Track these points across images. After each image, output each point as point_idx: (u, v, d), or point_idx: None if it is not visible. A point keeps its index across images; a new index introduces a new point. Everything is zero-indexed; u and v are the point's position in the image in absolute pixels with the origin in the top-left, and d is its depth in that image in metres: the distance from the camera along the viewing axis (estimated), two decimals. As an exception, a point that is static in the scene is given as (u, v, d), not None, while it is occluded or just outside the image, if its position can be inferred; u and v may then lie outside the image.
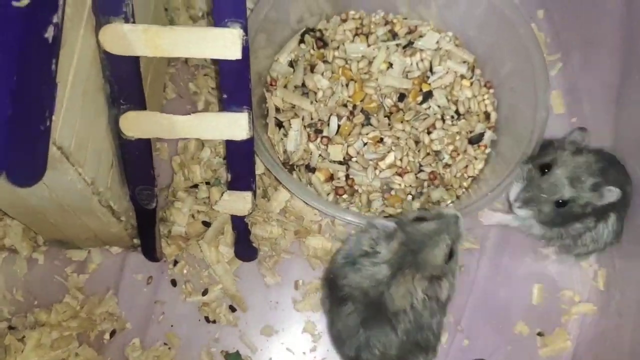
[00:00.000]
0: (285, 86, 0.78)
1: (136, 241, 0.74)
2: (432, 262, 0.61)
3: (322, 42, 0.80)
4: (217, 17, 0.58)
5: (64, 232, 0.69)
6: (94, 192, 0.59)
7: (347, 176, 0.76)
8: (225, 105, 0.62)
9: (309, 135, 0.76)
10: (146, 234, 0.73)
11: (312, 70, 0.78)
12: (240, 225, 0.72)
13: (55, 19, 0.50)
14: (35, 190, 0.55)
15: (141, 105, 0.63)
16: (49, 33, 0.49)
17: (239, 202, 0.68)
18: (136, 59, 0.60)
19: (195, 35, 0.57)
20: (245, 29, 0.58)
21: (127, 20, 0.58)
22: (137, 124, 0.63)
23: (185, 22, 0.82)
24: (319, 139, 0.76)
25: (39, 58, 0.48)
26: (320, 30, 0.81)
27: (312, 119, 0.77)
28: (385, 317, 0.62)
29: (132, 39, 0.57)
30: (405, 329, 0.62)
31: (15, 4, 0.49)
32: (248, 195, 0.68)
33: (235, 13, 0.57)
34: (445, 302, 0.64)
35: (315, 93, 0.77)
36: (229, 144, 0.64)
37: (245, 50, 0.58)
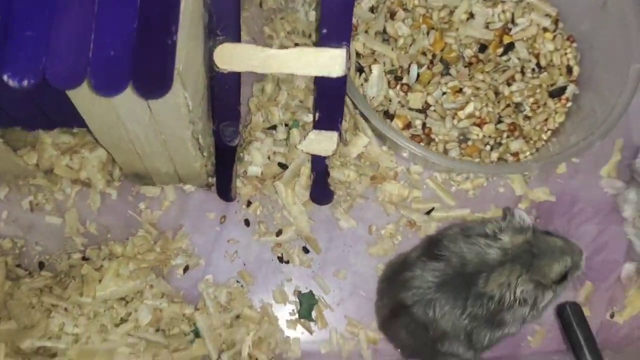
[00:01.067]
0: (366, 31, 0.77)
1: (211, 180, 0.74)
2: (545, 273, 0.60)
3: None
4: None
5: (146, 165, 0.68)
6: (191, 121, 0.59)
7: (424, 124, 0.75)
8: (323, 40, 0.61)
9: (389, 82, 0.75)
10: (223, 172, 0.72)
11: (392, 17, 0.77)
12: (320, 167, 0.71)
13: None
14: (136, 113, 0.55)
15: (237, 38, 0.62)
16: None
17: (324, 142, 0.68)
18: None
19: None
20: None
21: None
22: (232, 57, 0.62)
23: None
24: (398, 86, 0.75)
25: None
26: None
27: (392, 65, 0.76)
28: (465, 292, 0.60)
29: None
30: (474, 313, 0.60)
31: None
32: (334, 135, 0.67)
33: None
34: (530, 317, 0.62)
35: (396, 40, 0.77)
36: (321, 82, 0.63)
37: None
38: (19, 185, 0.74)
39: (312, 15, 0.80)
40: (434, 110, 0.75)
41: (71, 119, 0.58)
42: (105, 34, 0.46)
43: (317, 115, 0.67)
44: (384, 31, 0.77)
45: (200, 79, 0.62)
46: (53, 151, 0.72)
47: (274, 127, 0.75)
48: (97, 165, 0.73)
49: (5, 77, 0.44)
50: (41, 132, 0.71)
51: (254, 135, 0.75)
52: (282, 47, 0.80)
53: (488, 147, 0.75)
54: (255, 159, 0.74)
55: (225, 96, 0.66)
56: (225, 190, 0.74)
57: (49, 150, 0.72)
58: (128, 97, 0.48)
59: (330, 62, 0.62)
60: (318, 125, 0.68)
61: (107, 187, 0.75)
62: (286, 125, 0.75)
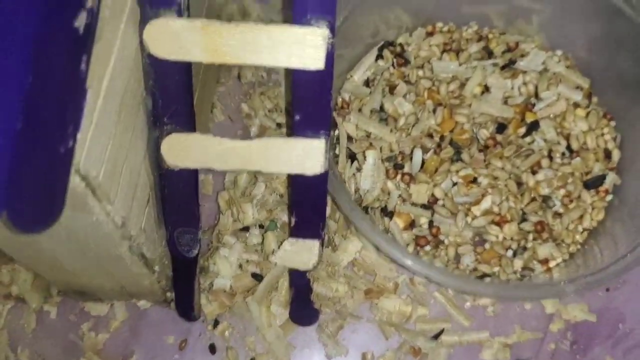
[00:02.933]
0: (360, 110, 0.65)
1: (169, 295, 0.60)
2: None
3: (403, 59, 0.66)
4: (298, 11, 0.44)
5: (83, 282, 0.55)
6: (125, 236, 0.46)
7: (431, 223, 0.61)
8: (297, 129, 0.48)
9: (387, 171, 0.62)
10: (183, 287, 0.58)
11: (391, 92, 0.65)
12: (300, 282, 0.57)
13: (89, 3, 0.37)
14: (50, 232, 0.42)
15: (189, 126, 0.49)
16: (80, 21, 0.36)
17: (302, 254, 0.54)
18: (188, 67, 0.47)
19: (269, 35, 0.44)
20: (332, 28, 0.44)
21: (180, 14, 0.45)
22: (183, 150, 0.49)
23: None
24: (399, 176, 0.62)
25: (64, 54, 0.35)
26: (401, 45, 0.67)
27: (391, 151, 0.63)
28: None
29: (187, 38, 0.44)
30: None
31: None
32: (315, 245, 0.54)
33: (322, 6, 0.44)
34: None
35: (396, 119, 0.64)
36: (297, 179, 0.50)
37: (330, 57, 0.45)
38: None
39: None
40: (443, 206, 0.61)
41: None
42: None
43: (293, 220, 0.53)
44: (382, 109, 0.64)
45: (141, 179, 0.49)
46: (-24, 263, 0.59)
47: (246, 229, 0.62)
48: (29, 280, 0.60)
49: None
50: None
51: (221, 240, 0.61)
52: (262, 127, 0.67)
53: (510, 253, 0.60)
54: (222, 270, 0.60)
55: (178, 197, 0.53)
56: (186, 308, 0.60)
57: (-30, 262, 0.59)
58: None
59: (305, 156, 0.49)
60: (295, 232, 0.54)
61: (44, 304, 0.61)
62: (261, 226, 0.61)
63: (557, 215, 0.61)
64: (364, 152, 0.62)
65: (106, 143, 0.41)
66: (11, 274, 0.60)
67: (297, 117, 0.48)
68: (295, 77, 0.46)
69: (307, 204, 0.52)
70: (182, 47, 0.45)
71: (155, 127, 0.49)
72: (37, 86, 0.34)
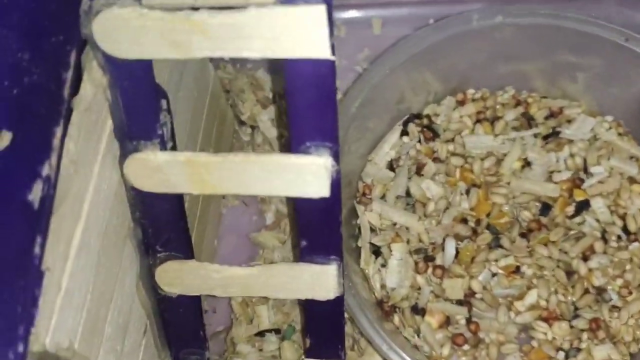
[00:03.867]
0: (383, 196, 0.58)
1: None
2: None
3: (431, 132, 0.59)
4: (296, 138, 0.38)
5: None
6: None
7: (469, 319, 0.54)
8: (305, 255, 0.43)
9: (416, 265, 0.55)
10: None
11: (419, 173, 0.58)
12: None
13: (45, 170, 0.32)
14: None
15: (185, 251, 0.44)
16: (35, 193, 0.32)
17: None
18: (177, 197, 0.42)
19: (262, 166, 0.38)
20: (336, 155, 0.38)
21: (163, 146, 0.40)
22: (179, 277, 0.44)
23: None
24: (430, 270, 0.55)
25: (16, 233, 0.31)
26: (428, 117, 0.60)
27: (420, 241, 0.56)
28: None
29: (171, 171, 0.39)
30: None
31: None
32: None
33: (322, 133, 0.38)
34: None
35: (424, 205, 0.57)
36: (309, 303, 0.45)
37: (336, 184, 0.39)
38: None
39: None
40: (482, 299, 0.54)
41: None
42: None
43: (307, 341, 0.48)
44: (408, 194, 0.58)
45: (134, 314, 0.44)
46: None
47: (261, 334, 0.56)
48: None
49: None
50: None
51: (235, 350, 0.56)
52: (278, 212, 0.62)
53: (562, 355, 0.53)
54: (236, 384, 0.55)
55: (181, 321, 0.48)
56: None
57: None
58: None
59: (315, 283, 0.43)
60: (311, 354, 0.48)
61: None
62: (277, 331, 0.56)
63: (615, 308, 0.54)
64: (389, 245, 0.55)
65: (82, 302, 0.36)
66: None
67: (304, 243, 0.42)
68: (298, 204, 0.41)
69: (324, 327, 0.46)
70: (167, 180, 0.39)
71: (147, 256, 0.44)
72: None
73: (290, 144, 0.39)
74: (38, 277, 0.31)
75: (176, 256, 0.44)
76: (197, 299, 0.47)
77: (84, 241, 0.36)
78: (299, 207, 0.41)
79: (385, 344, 0.49)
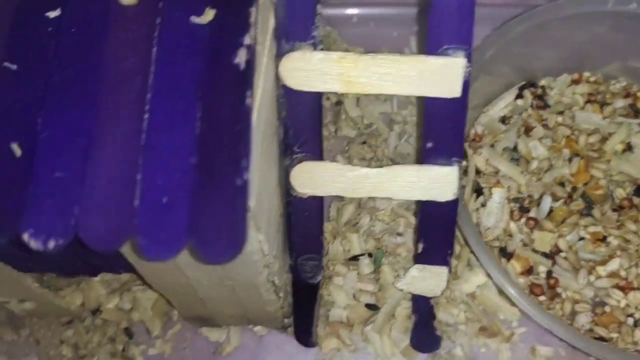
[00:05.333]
0: (492, 145, 0.64)
1: (287, 321, 0.61)
2: None
3: (543, 102, 0.65)
4: (433, 41, 0.45)
5: (209, 309, 0.56)
6: (266, 265, 0.47)
7: (549, 273, 0.59)
8: (428, 157, 0.48)
9: (511, 212, 0.60)
10: (303, 313, 0.59)
11: (527, 134, 0.63)
12: (423, 308, 0.57)
13: (247, 40, 0.38)
14: (199, 264, 0.43)
15: (318, 154, 0.50)
16: (240, 57, 0.37)
17: (430, 280, 0.54)
18: (319, 97, 0.48)
19: (405, 66, 0.44)
20: (469, 57, 0.45)
21: (315, 47, 0.46)
22: (312, 178, 0.50)
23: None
24: (523, 219, 0.60)
25: (229, 90, 0.37)
26: (543, 87, 0.66)
27: (519, 192, 0.61)
28: None
29: (322, 70, 0.45)
30: None
31: (194, 20, 0.38)
32: (443, 271, 0.53)
33: (459, 36, 0.44)
34: None
35: (528, 162, 0.62)
36: (427, 206, 0.50)
37: (466, 85, 0.45)
38: (50, 356, 0.62)
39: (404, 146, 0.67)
40: (565, 258, 0.59)
41: (118, 265, 0.47)
42: (155, 172, 0.35)
43: (420, 246, 0.53)
44: (515, 149, 0.63)
45: (275, 207, 0.50)
46: (101, 289, 0.61)
47: (354, 258, 0.62)
48: (150, 306, 0.61)
49: (25, 237, 0.33)
50: (88, 268, 0.60)
51: (333, 269, 0.61)
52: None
53: (631, 321, 0.57)
54: (337, 298, 0.60)
55: (305, 225, 0.53)
56: (305, 335, 0.60)
57: (96, 288, 0.61)
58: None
59: (437, 183, 0.49)
60: (422, 258, 0.54)
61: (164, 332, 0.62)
62: (369, 255, 0.61)
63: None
64: (490, 188, 0.61)
65: (257, 174, 0.42)
66: (132, 301, 0.61)
67: (429, 145, 0.48)
68: (429, 106, 0.47)
69: (436, 231, 0.52)
70: (318, 79, 0.45)
71: (285, 156, 0.50)
72: (207, 122, 0.35)
73: (427, 46, 0.45)
74: (248, 124, 0.36)
75: (311, 157, 0.50)
76: (321, 204, 0.53)
77: (257, 120, 0.42)
78: (429, 109, 0.47)
79: (490, 258, 0.54)
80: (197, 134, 0.35)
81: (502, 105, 0.65)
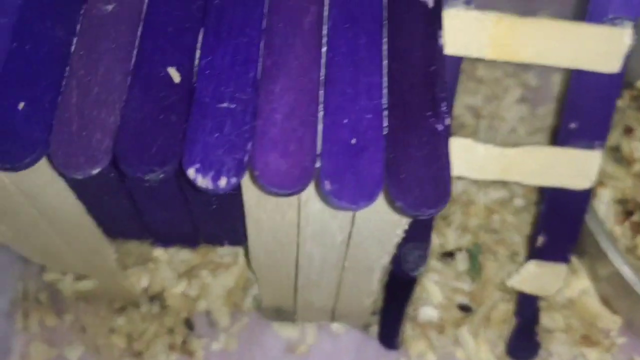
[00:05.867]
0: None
1: (372, 319, 0.55)
2: None
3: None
4: (598, 9, 0.41)
5: (299, 297, 0.50)
6: (395, 244, 0.42)
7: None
8: (568, 138, 0.45)
9: (614, 214, 0.56)
10: (394, 310, 0.54)
11: (627, 134, 0.60)
12: (528, 310, 0.52)
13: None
14: (329, 230, 0.38)
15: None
16: None
17: (547, 278, 0.50)
18: (459, 64, 0.44)
19: (566, 33, 0.41)
20: (635, 29, 0.41)
21: (469, 4, 0.42)
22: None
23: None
24: (627, 224, 0.56)
25: (418, 27, 0.32)
26: (638, 89, 0.63)
27: (623, 195, 0.57)
28: None
29: (475, 31, 0.41)
30: None
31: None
32: (562, 269, 0.49)
33: (628, 5, 0.41)
34: None
35: (630, 164, 0.59)
36: (555, 194, 0.46)
37: (625, 60, 0.42)
38: (99, 346, 0.56)
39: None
40: None
41: (225, 234, 0.41)
42: (340, 111, 0.30)
43: (541, 239, 0.49)
44: (617, 148, 0.60)
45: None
46: (168, 272, 0.55)
47: (449, 254, 0.58)
48: (221, 295, 0.55)
49: (191, 173, 0.28)
50: (157, 247, 0.54)
51: (428, 263, 0.56)
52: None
53: None
54: (432, 297, 0.55)
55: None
56: (391, 335, 0.55)
57: (164, 270, 0.54)
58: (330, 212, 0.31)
59: (574, 169, 0.45)
60: (540, 253, 0.49)
61: (223, 340, 0.56)
62: (467, 251, 0.57)
63: None
64: (596, 188, 0.57)
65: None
66: (200, 287, 0.55)
67: (572, 126, 0.44)
68: (577, 81, 0.43)
69: (563, 223, 0.48)
70: (469, 41, 0.41)
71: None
72: (396, 61, 0.31)
73: (589, 14, 0.41)
74: (444, 66, 0.32)
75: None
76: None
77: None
78: (577, 85, 0.43)
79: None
80: (385, 72, 0.30)
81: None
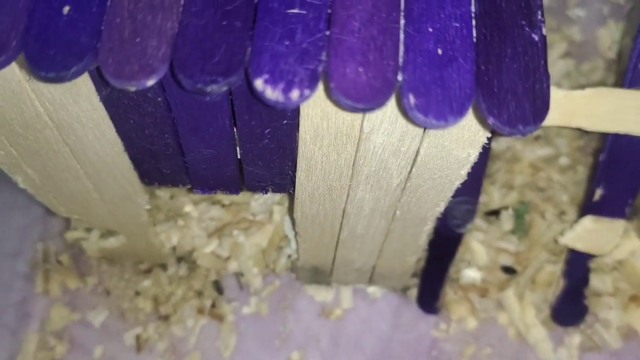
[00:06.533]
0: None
1: (411, 281, 0.52)
2: None
3: None
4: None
5: (339, 254, 0.47)
6: (455, 188, 0.39)
7: None
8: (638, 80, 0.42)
9: None
10: (436, 271, 0.51)
11: None
12: (579, 270, 0.50)
13: None
14: (391, 167, 0.35)
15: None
16: None
17: (604, 235, 0.47)
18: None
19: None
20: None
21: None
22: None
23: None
24: None
25: None
26: None
27: None
28: None
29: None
30: None
31: None
32: (620, 225, 0.46)
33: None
34: None
35: None
36: (618, 142, 0.43)
37: None
38: (124, 310, 0.53)
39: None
40: None
41: (271, 177, 0.38)
42: (423, 18, 0.27)
43: (599, 192, 0.46)
44: None
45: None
46: (198, 230, 0.52)
47: (494, 213, 0.55)
48: (254, 255, 0.52)
49: (259, 84, 0.25)
50: (187, 204, 0.51)
51: (474, 222, 0.53)
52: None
53: None
54: (476, 258, 0.52)
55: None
56: (431, 298, 0.52)
57: (194, 228, 0.51)
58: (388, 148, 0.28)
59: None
60: (597, 208, 0.47)
61: (254, 304, 0.53)
62: (512, 209, 0.54)
63: None
64: None
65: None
66: (231, 247, 0.52)
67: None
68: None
69: (624, 174, 0.45)
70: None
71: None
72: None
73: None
74: None
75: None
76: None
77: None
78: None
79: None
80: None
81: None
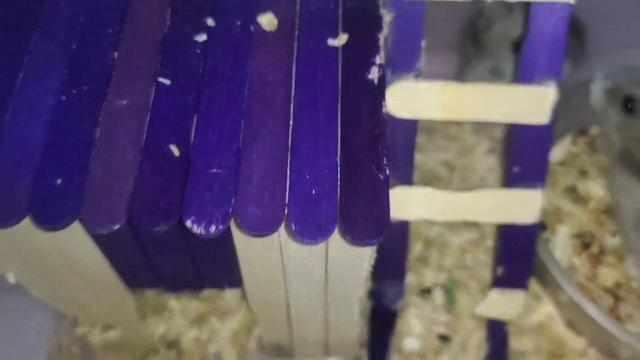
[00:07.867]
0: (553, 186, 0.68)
1: (362, 352, 0.62)
2: None
3: (593, 150, 0.70)
4: (527, 72, 0.50)
5: (294, 333, 0.57)
6: (366, 277, 0.49)
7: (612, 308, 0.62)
8: (514, 181, 0.53)
9: (573, 247, 0.64)
10: (379, 342, 0.61)
11: (583, 176, 0.68)
12: (498, 335, 0.59)
13: (378, 60, 0.43)
14: (309, 267, 0.46)
15: (409, 179, 0.54)
16: (373, 74, 0.42)
17: (507, 304, 0.57)
18: (415, 124, 0.53)
19: (501, 94, 0.50)
20: (557, 88, 0.50)
21: (417, 78, 0.51)
22: (403, 204, 0.54)
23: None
24: (585, 255, 0.63)
25: (366, 100, 0.41)
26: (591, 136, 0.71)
27: (580, 229, 0.65)
28: None
29: (426, 98, 0.50)
30: None
31: (331, 42, 0.43)
32: (521, 295, 0.56)
33: (549, 68, 0.50)
34: None
35: (586, 202, 0.66)
36: (508, 230, 0.54)
37: (553, 114, 0.50)
38: None
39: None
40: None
41: (225, 277, 0.49)
42: (303, 169, 0.38)
43: (500, 270, 0.56)
44: (574, 189, 0.68)
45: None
46: (181, 319, 0.62)
47: (427, 291, 0.65)
48: (228, 337, 0.63)
49: (188, 223, 0.36)
50: (170, 298, 0.62)
51: (408, 300, 0.64)
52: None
53: None
54: (413, 329, 0.62)
55: (391, 250, 0.57)
56: (379, 366, 0.62)
57: (177, 318, 0.62)
58: (307, 250, 0.39)
59: (521, 206, 0.53)
60: (500, 282, 0.57)
61: None
62: (443, 287, 0.64)
63: None
64: (553, 225, 0.65)
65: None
66: (210, 333, 0.63)
67: (515, 170, 0.52)
68: (516, 132, 0.51)
69: (517, 254, 0.55)
70: (418, 107, 0.50)
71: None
72: (348, 127, 0.40)
73: (520, 76, 0.50)
74: (384, 129, 0.41)
75: (403, 182, 0.54)
76: (407, 229, 0.56)
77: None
78: (516, 135, 0.51)
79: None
80: (339, 137, 0.39)
81: (557, 152, 0.70)
